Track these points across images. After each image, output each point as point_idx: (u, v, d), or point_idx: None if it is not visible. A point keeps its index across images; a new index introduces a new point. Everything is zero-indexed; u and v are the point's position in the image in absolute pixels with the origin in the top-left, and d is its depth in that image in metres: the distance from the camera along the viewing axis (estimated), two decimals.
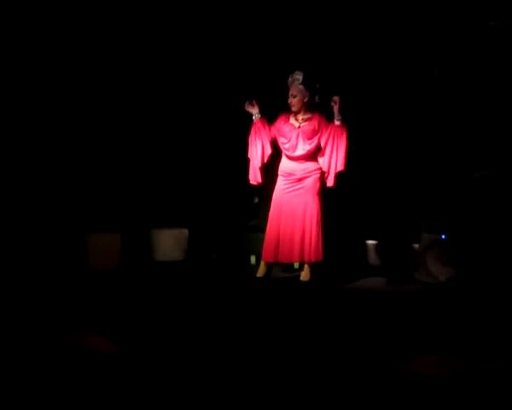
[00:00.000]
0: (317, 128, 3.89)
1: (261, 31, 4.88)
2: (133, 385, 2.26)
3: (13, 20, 4.28)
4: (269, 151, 3.99)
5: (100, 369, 2.34)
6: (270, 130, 3.99)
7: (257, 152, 3.98)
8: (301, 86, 3.85)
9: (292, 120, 3.96)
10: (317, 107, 3.97)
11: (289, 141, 3.94)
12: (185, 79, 5.05)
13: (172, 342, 2.72)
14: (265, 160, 4.00)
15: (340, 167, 3.88)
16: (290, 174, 3.96)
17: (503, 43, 4.35)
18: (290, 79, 3.89)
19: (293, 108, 3.92)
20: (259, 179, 4.02)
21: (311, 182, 3.92)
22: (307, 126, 3.90)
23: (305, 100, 3.88)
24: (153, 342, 2.69)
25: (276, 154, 4.07)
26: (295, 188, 3.93)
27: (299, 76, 3.86)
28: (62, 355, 2.43)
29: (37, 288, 3.63)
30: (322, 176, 3.96)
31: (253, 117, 4.00)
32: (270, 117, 4.06)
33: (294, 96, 3.88)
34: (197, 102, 5.10)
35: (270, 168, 4.11)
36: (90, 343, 2.58)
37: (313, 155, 3.95)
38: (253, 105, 3.99)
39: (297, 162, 3.95)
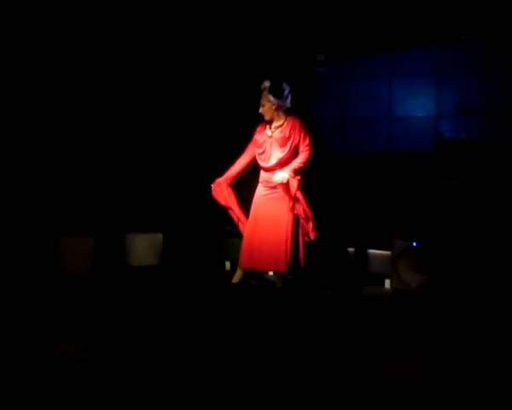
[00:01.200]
0: (287, 135, 3.89)
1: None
2: (104, 393, 2.23)
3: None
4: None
5: (70, 375, 2.30)
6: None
7: None
8: (270, 95, 3.86)
9: (266, 130, 3.97)
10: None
11: (264, 152, 3.95)
12: (163, 88, 5.05)
13: (145, 347, 2.69)
14: None
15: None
16: (267, 181, 3.98)
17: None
18: (262, 88, 3.91)
19: (266, 117, 3.94)
20: None
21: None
22: (278, 134, 3.91)
23: (274, 107, 3.89)
24: (125, 348, 2.65)
25: (253, 160, 4.08)
26: (271, 196, 3.94)
27: (266, 84, 3.87)
28: (32, 361, 2.37)
29: (7, 292, 3.54)
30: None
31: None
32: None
33: (263, 106, 3.89)
34: (173, 108, 5.09)
35: (246, 173, 4.13)
36: (61, 349, 2.53)
37: (287, 163, 3.93)
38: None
39: (272, 172, 3.94)
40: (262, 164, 3.99)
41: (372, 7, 4.67)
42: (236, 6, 4.88)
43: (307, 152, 3.91)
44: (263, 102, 3.89)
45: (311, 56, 5.11)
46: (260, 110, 3.92)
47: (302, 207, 3.88)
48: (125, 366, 2.44)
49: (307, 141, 3.92)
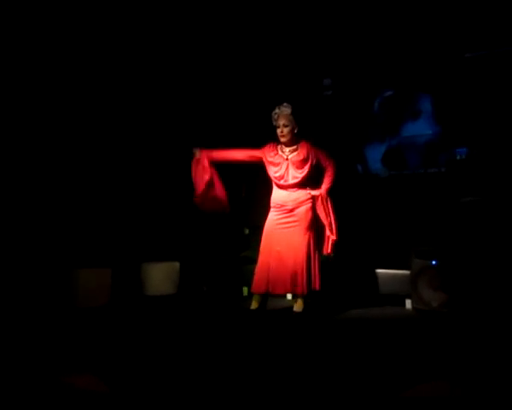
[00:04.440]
0: (306, 157, 3.92)
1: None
2: None
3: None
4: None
5: (91, 409, 2.28)
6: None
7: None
8: (291, 117, 3.90)
9: (280, 153, 3.98)
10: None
11: (280, 170, 3.95)
12: (181, 116, 5.14)
13: (165, 378, 2.67)
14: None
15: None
16: (282, 205, 3.96)
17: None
18: (278, 111, 3.93)
19: (284, 139, 3.92)
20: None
21: (303, 212, 3.91)
22: (295, 157, 3.93)
23: (295, 131, 3.92)
24: (145, 380, 2.64)
25: (265, 185, 4.09)
26: (287, 220, 3.93)
27: (287, 108, 3.90)
28: (52, 396, 2.36)
29: (26, 325, 3.55)
30: (314, 205, 3.97)
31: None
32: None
33: (286, 126, 3.89)
34: (185, 137, 5.15)
35: (260, 199, 4.13)
36: (81, 382, 2.52)
37: (304, 183, 3.95)
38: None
39: (288, 192, 3.95)
40: (279, 182, 3.96)
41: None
42: (240, 29, 4.97)
43: (332, 166, 3.98)
44: (285, 121, 3.89)
45: (318, 80, 5.15)
46: (281, 130, 3.89)
47: (330, 219, 3.92)
48: (145, 396, 2.42)
49: (327, 156, 4.00)
